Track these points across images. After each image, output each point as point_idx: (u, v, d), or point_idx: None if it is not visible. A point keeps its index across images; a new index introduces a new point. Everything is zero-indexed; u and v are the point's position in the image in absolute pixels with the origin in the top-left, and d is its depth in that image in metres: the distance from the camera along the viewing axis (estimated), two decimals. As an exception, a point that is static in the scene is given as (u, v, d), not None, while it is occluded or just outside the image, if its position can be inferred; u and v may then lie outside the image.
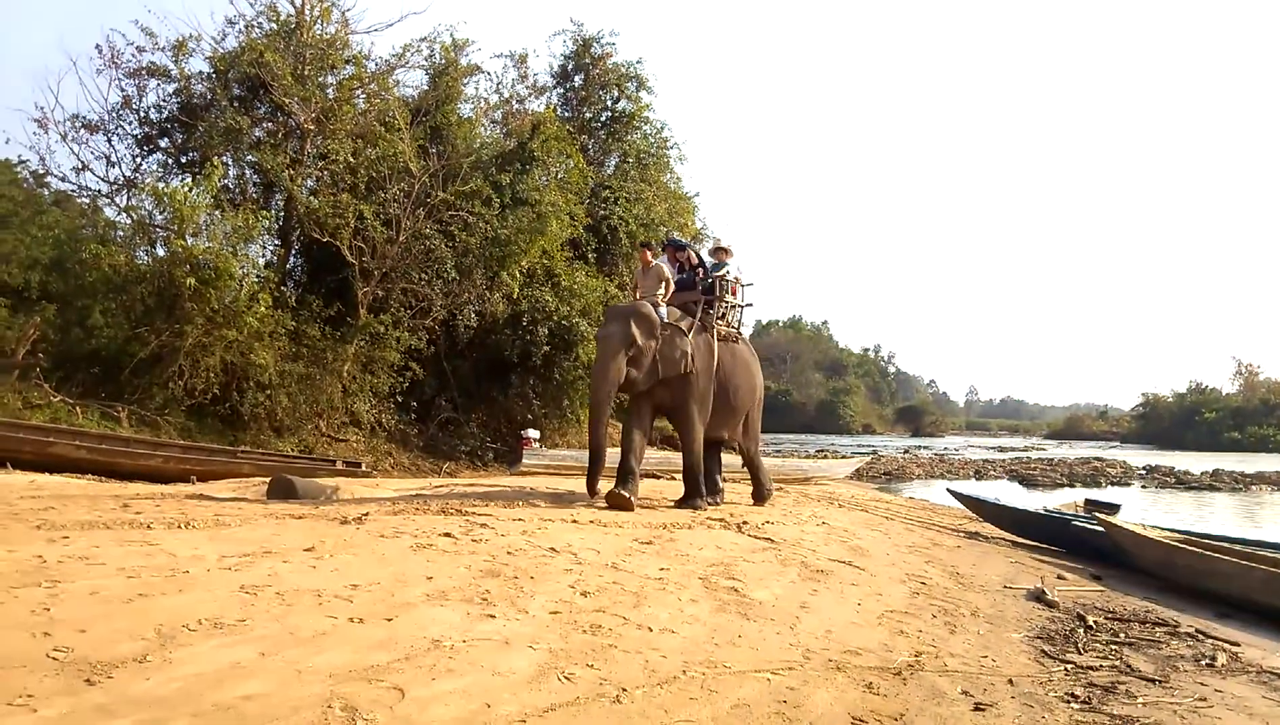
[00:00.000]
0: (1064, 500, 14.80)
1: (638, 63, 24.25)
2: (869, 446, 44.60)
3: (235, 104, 15.84)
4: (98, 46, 16.29)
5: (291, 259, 17.20)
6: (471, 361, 18.43)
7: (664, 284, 10.01)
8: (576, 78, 24.36)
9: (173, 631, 4.07)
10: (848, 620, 5.66)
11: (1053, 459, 35.15)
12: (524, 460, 13.81)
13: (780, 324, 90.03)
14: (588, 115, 24.37)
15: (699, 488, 9.71)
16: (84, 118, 16.32)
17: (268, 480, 9.28)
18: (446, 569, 5.50)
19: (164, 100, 16.54)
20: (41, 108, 16.14)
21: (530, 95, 23.46)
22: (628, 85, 24.32)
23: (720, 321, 10.26)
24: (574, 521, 7.48)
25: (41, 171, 19.11)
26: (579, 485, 10.75)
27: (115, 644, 3.86)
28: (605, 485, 9.29)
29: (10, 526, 6.03)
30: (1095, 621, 6.43)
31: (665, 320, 9.65)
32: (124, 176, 16.64)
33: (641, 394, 9.75)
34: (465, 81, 19.20)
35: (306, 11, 16.63)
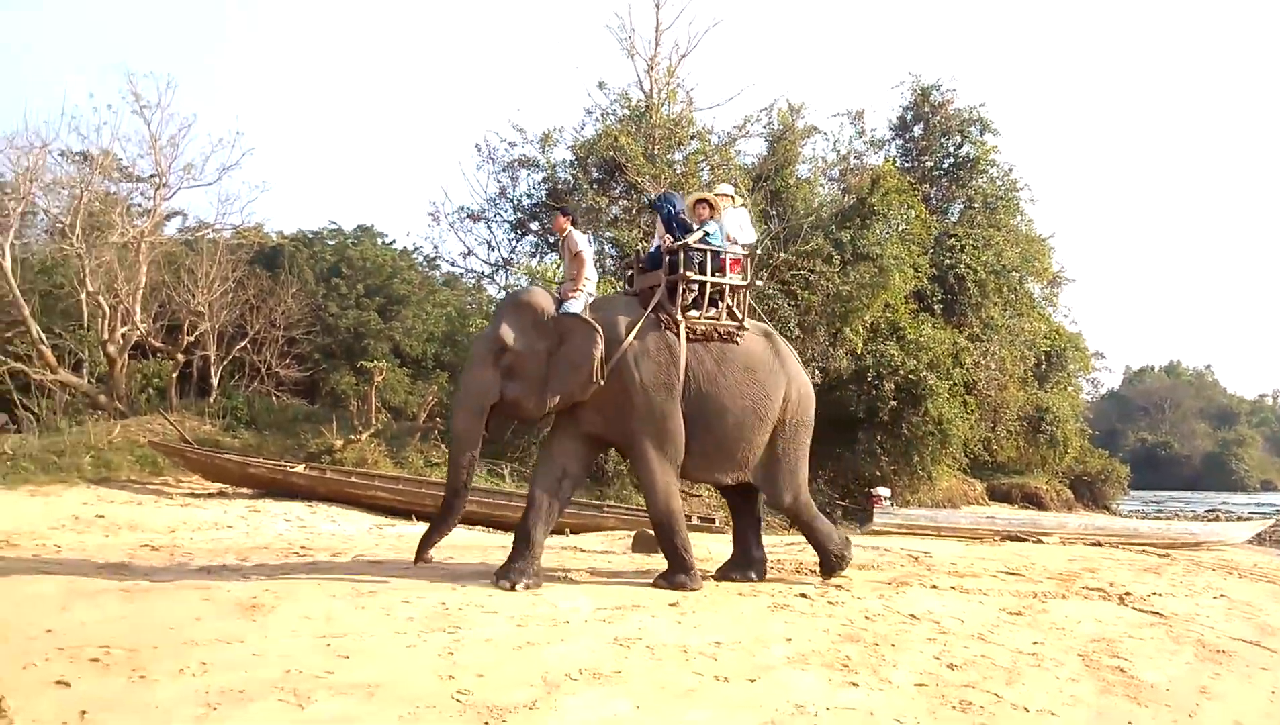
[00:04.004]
0: None
1: (980, 105, 23.57)
2: (1271, 505, 38.95)
3: (594, 186, 17.20)
4: (477, 145, 18.49)
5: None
6: (816, 418, 18.36)
7: (576, 261, 7.14)
8: (916, 127, 24.06)
9: (557, 679, 4.42)
10: (1260, 710, 4.99)
11: None
12: (875, 519, 13.54)
13: (1155, 370, 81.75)
14: (929, 164, 23.94)
15: (682, 556, 6.81)
16: (468, 209, 18.57)
17: (632, 534, 9.85)
18: (804, 631, 5.53)
19: (533, 188, 18.37)
20: (435, 203, 18.51)
21: (868, 149, 23.46)
22: (970, 129, 23.65)
23: (700, 311, 7.06)
24: (933, 587, 7.22)
25: (433, 257, 22.01)
26: (934, 546, 10.37)
27: (509, 690, 4.26)
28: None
29: (420, 575, 6.86)
30: None
31: (569, 310, 6.88)
32: (502, 258, 18.63)
33: (564, 417, 7.09)
34: (802, 143, 19.53)
35: (655, 95, 17.82)
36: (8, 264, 15.87)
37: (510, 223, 18.48)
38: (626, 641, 5.09)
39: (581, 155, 17.54)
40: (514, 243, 18.73)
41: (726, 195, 7.77)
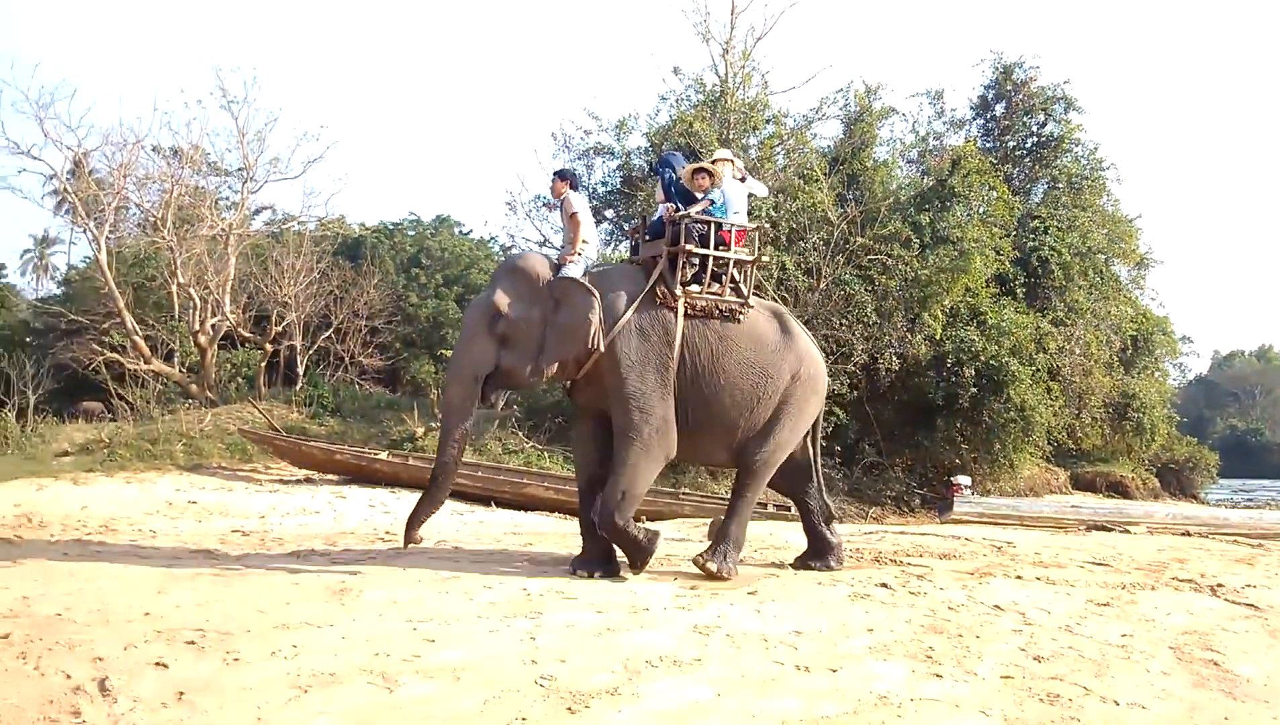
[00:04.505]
0: None
1: (1065, 83, 22.85)
2: (1370, 495, 37.14)
3: (669, 172, 17.17)
4: (552, 134, 18.64)
5: (719, 311, 18.19)
6: (894, 405, 18.19)
7: (572, 223, 6.89)
8: (997, 106, 23.50)
9: (638, 666, 4.45)
10: (1367, 709, 4.79)
11: None
12: (955, 508, 13.33)
13: (1245, 354, 78.71)
14: (1011, 144, 23.37)
15: (636, 540, 6.48)
16: (544, 198, 18.67)
17: (708, 522, 9.85)
18: (886, 621, 5.47)
19: (608, 175, 18.45)
20: (511, 193, 18.68)
21: (948, 130, 23.00)
22: (1054, 107, 22.99)
23: (702, 286, 6.73)
24: (1018, 577, 7.07)
25: (509, 246, 22.26)
26: (1017, 536, 10.16)
27: (590, 675, 4.30)
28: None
29: (501, 561, 6.95)
30: None
31: (566, 274, 6.63)
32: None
33: (576, 401, 7.07)
34: (880, 125, 19.21)
35: (730, 80, 17.70)
36: (104, 257, 16.50)
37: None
38: (706, 629, 5.09)
39: (656, 142, 17.52)
40: (589, 230, 18.81)
41: (725, 160, 7.27)
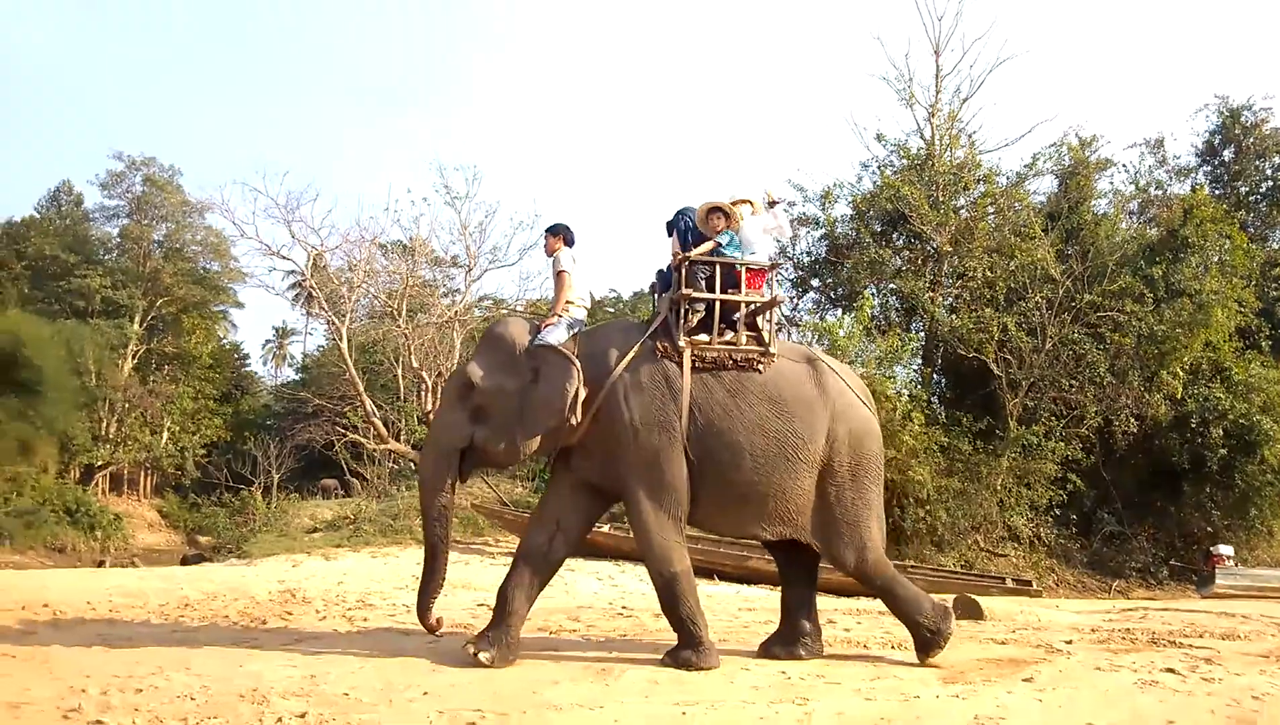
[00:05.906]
0: None
1: (1300, 122, 21.22)
2: None
3: (876, 238, 17.00)
4: (762, 209, 18.84)
5: (934, 377, 17.66)
6: (1133, 469, 17.05)
7: (558, 282, 6.38)
8: (1225, 152, 22.14)
9: (923, 760, 4.25)
10: None
11: None
12: (1218, 581, 12.20)
13: None
14: (1243, 190, 21.89)
15: (689, 628, 5.89)
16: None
17: (944, 598, 9.41)
18: (1186, 713, 5.02)
19: (813, 246, 18.42)
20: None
21: (1171, 179, 21.72)
22: (1290, 149, 21.37)
23: (711, 335, 6.11)
24: (1326, 663, 6.37)
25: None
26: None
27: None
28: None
29: (749, 642, 6.85)
30: None
31: (544, 341, 6.08)
32: (783, 316, 18.72)
33: (559, 462, 6.41)
34: (1097, 177, 18.42)
35: (936, 143, 17.43)
36: (344, 346, 17.77)
37: (791, 281, 18.57)
38: (988, 721, 4.82)
39: (862, 209, 17.41)
40: (795, 301, 18.77)
41: (745, 200, 6.63)
